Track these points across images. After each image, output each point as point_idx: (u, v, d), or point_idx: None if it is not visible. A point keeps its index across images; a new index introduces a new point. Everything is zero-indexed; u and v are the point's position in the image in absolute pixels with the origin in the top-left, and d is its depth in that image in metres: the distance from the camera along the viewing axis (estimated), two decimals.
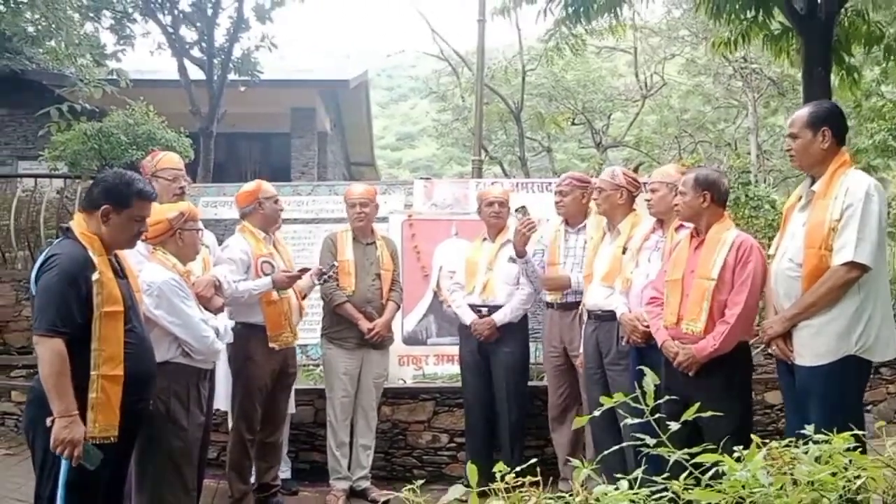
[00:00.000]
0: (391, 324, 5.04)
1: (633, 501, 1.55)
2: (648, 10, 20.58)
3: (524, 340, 5.00)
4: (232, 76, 10.03)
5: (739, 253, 3.35)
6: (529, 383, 5.15)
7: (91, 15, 10.14)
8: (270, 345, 4.45)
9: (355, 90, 15.71)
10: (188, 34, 9.78)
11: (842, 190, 3.07)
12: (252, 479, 4.66)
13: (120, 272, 3.09)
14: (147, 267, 3.54)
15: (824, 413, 2.87)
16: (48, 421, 2.79)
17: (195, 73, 9.76)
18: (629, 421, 1.93)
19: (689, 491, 1.58)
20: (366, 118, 17.99)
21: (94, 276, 2.90)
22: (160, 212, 3.54)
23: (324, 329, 5.02)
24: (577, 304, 4.62)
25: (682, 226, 3.83)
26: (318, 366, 6.15)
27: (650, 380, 1.87)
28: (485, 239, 5.10)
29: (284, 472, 5.04)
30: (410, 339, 6.12)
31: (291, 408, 5.06)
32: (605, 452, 2.02)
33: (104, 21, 10.08)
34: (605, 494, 1.58)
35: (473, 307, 4.94)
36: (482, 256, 5.02)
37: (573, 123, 21.22)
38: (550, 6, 8.34)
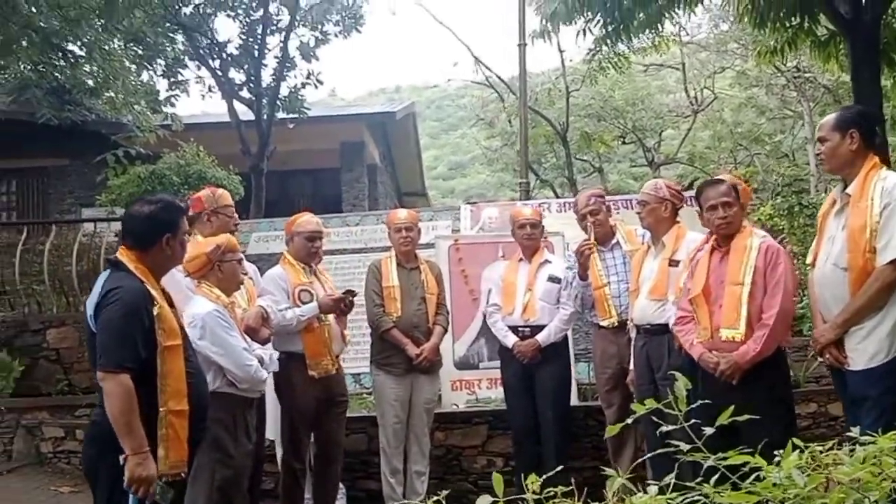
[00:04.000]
0: (439, 348, 5.03)
1: None
2: (695, 25, 20.34)
3: (567, 360, 4.95)
4: (281, 115, 10.28)
5: (768, 257, 3.33)
6: (583, 403, 5.08)
7: (145, 64, 10.52)
8: (310, 372, 4.46)
9: (403, 122, 15.90)
10: (237, 76, 10.08)
11: (877, 191, 3.04)
12: None
13: (171, 302, 3.14)
14: (193, 300, 3.62)
15: (881, 415, 2.77)
16: (121, 459, 2.76)
17: (245, 114, 10.02)
18: (664, 429, 1.88)
19: (721, 494, 1.52)
20: (415, 149, 18.19)
21: (156, 310, 2.90)
22: (198, 247, 3.62)
23: (372, 356, 5.04)
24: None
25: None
26: (370, 393, 6.17)
27: (682, 385, 1.82)
28: (521, 259, 5.07)
29: (340, 500, 5.05)
30: (462, 364, 6.11)
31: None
32: (644, 457, 1.97)
33: (157, 68, 10.42)
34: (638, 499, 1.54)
35: (514, 328, 4.91)
36: (520, 277, 4.99)
37: (623, 142, 21.07)
38: (589, 25, 8.32)
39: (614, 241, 4.78)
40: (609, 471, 1.81)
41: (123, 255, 3.05)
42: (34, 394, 6.67)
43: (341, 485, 5.12)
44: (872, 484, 1.56)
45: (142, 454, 2.76)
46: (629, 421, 1.94)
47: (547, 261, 5.00)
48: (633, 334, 4.39)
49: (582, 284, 4.74)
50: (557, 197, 19.93)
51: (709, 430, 1.74)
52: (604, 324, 4.72)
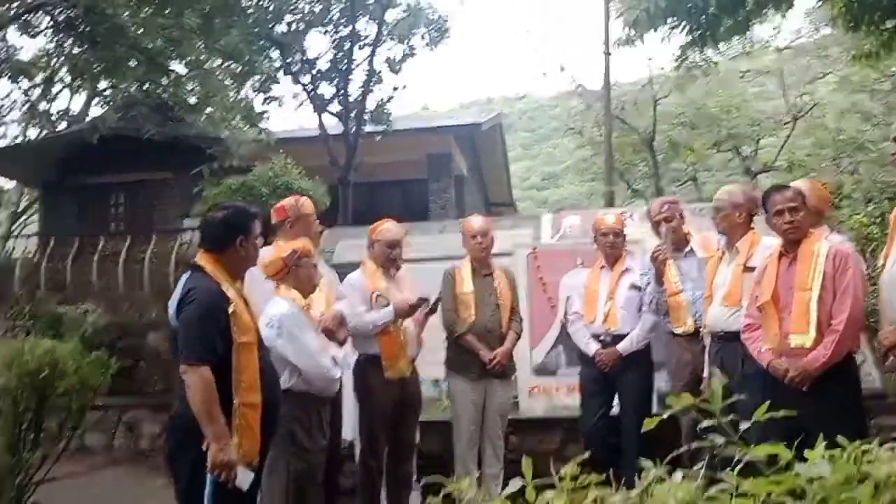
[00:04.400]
0: (512, 353, 5.09)
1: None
2: (793, 31, 19.81)
3: (649, 368, 4.91)
4: (368, 127, 10.56)
5: (836, 262, 3.25)
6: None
7: (240, 80, 11.01)
8: (385, 375, 4.58)
9: (489, 133, 16.03)
10: (326, 90, 10.43)
11: None
12: None
13: (246, 302, 3.33)
14: (271, 301, 3.81)
15: None
16: (204, 446, 2.95)
17: (333, 127, 10.34)
18: (705, 423, 1.91)
19: (744, 481, 1.55)
20: (502, 159, 18.28)
21: (231, 309, 3.10)
22: (276, 251, 3.81)
23: (447, 360, 5.14)
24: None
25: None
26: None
27: (717, 381, 1.84)
28: (602, 267, 5.08)
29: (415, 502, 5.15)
30: (540, 370, 6.12)
31: (416, 437, 5.18)
32: (681, 450, 1.99)
33: (252, 84, 10.88)
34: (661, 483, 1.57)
35: (596, 336, 4.92)
36: (602, 285, 4.99)
37: (718, 151, 20.58)
38: (673, 32, 8.24)
39: (689, 247, 4.74)
40: (646, 462, 1.85)
41: (202, 259, 3.27)
42: (134, 392, 7.08)
43: (416, 485, 5.22)
44: None
45: (223, 441, 2.94)
46: (664, 415, 1.96)
47: (629, 269, 4.98)
48: (707, 341, 4.34)
49: (658, 290, 4.71)
50: None
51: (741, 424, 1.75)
52: (678, 331, 4.67)
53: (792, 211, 3.44)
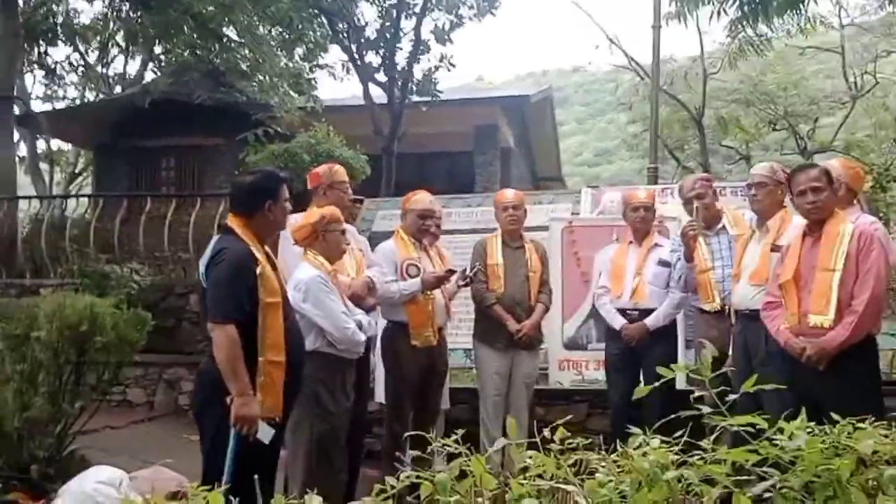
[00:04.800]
0: (540, 325, 5.13)
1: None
2: (858, 6, 19.09)
3: (674, 344, 4.91)
4: (415, 98, 10.58)
5: (861, 243, 3.20)
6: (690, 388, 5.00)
7: (290, 47, 11.09)
8: (412, 342, 4.66)
9: (539, 106, 15.90)
10: (373, 59, 10.45)
11: None
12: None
13: (273, 265, 3.42)
14: (299, 266, 3.90)
15: None
16: (228, 400, 3.06)
17: (379, 97, 10.38)
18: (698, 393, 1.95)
19: (721, 449, 1.59)
20: (551, 133, 18.13)
21: (258, 270, 3.19)
22: (305, 217, 3.89)
23: (475, 330, 5.20)
24: None
25: None
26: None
27: (708, 352, 1.87)
28: (631, 242, 5.06)
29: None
30: (571, 344, 6.15)
31: (446, 403, 5.27)
32: (668, 417, 2.02)
33: (300, 52, 10.96)
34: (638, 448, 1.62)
35: (623, 311, 4.92)
36: (630, 260, 4.99)
37: (774, 129, 20.09)
38: (724, 6, 8.07)
39: (720, 225, 4.70)
40: (635, 430, 1.88)
41: (232, 221, 3.37)
42: (176, 351, 7.29)
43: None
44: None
45: (246, 396, 3.06)
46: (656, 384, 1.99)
47: (657, 244, 4.98)
48: (733, 318, 4.32)
49: (687, 266, 4.70)
50: None
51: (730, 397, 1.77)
52: (706, 308, 4.66)
53: (815, 191, 3.40)
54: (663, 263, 4.89)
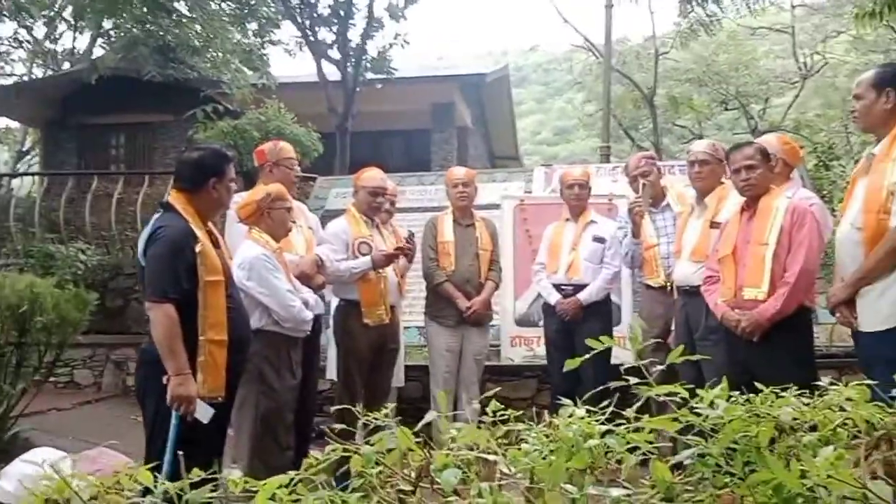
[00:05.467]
0: (490, 302, 5.16)
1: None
2: None
3: (608, 318, 4.98)
4: (370, 75, 10.49)
5: (794, 217, 3.30)
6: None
7: (241, 22, 10.90)
8: (364, 320, 4.65)
9: (495, 85, 15.90)
10: (326, 36, 10.33)
11: None
12: None
13: (216, 243, 3.38)
14: (243, 244, 3.86)
15: (889, 379, 2.74)
16: (164, 379, 3.03)
17: (333, 74, 10.27)
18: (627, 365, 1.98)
19: (644, 417, 1.62)
20: (508, 112, 18.15)
21: (198, 248, 3.14)
22: (250, 195, 3.85)
23: (426, 308, 5.22)
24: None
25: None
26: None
27: (637, 324, 1.90)
28: (567, 219, 5.12)
29: None
30: (523, 321, 6.19)
31: (400, 381, 5.28)
32: (594, 391, 2.05)
33: (250, 27, 10.77)
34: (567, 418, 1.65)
35: (558, 286, 4.98)
36: (566, 237, 5.05)
37: (727, 109, 20.37)
38: None
39: (665, 202, 4.77)
40: (566, 401, 1.91)
41: (174, 198, 3.31)
42: (125, 332, 7.19)
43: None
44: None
45: (183, 375, 3.02)
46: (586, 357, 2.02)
47: (593, 221, 5.05)
48: (675, 295, 4.39)
49: (633, 242, 4.76)
50: None
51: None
52: (652, 283, 4.73)
53: (748, 169, 3.49)
54: (598, 239, 4.96)
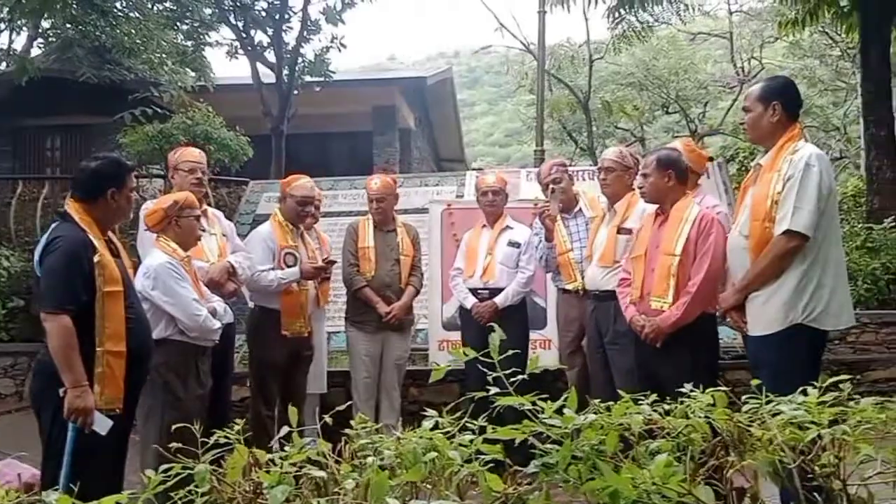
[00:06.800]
0: (411, 307, 5.19)
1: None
2: None
3: (524, 323, 5.05)
4: (308, 78, 10.44)
5: (701, 227, 3.45)
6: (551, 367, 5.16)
7: (175, 24, 10.75)
8: (283, 332, 4.64)
9: (438, 87, 15.95)
10: (262, 39, 10.24)
11: (785, 162, 3.09)
12: None
13: (116, 252, 3.35)
14: (150, 252, 3.83)
15: (774, 383, 2.83)
16: (61, 392, 3.00)
17: (269, 76, 10.20)
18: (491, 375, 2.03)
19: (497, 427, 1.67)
20: (452, 115, 18.22)
21: (96, 258, 3.12)
22: (157, 203, 3.82)
23: (346, 313, 5.23)
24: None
25: None
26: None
27: (496, 336, 1.96)
28: (484, 225, 5.20)
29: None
30: (449, 325, 6.23)
31: (323, 388, 5.28)
32: (458, 401, 2.10)
33: (183, 28, 10.64)
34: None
35: (474, 291, 5.04)
36: (482, 242, 5.13)
37: (667, 112, 20.75)
38: None
39: (577, 208, 4.86)
40: (431, 412, 1.95)
41: (71, 207, 3.27)
42: None
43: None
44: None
45: (80, 387, 3.00)
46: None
47: (508, 227, 5.13)
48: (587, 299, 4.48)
49: (547, 246, 4.83)
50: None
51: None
52: (569, 287, 4.81)
53: (644, 177, 3.64)
54: (513, 244, 5.05)
